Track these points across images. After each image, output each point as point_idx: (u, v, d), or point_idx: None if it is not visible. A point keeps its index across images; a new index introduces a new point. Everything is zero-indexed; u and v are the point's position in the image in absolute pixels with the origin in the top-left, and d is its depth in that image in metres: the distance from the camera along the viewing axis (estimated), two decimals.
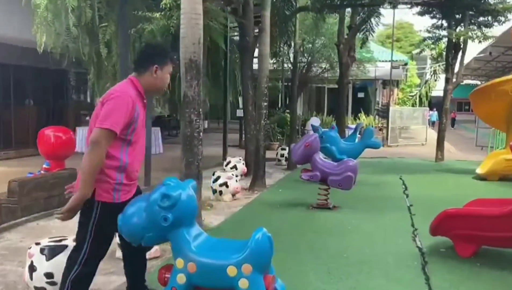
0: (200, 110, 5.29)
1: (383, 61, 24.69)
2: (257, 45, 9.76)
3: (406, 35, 58.56)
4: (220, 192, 7.56)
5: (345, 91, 11.96)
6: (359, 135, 10.53)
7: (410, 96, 31.76)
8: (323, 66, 19.80)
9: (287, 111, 19.24)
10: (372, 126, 20.62)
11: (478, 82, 32.41)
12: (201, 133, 5.32)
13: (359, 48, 13.60)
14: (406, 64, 26.70)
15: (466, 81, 42.60)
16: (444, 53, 28.66)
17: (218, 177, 7.60)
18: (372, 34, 12.63)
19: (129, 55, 8.20)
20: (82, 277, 2.85)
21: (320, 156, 6.96)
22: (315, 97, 28.34)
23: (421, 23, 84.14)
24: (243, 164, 10.06)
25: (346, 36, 12.11)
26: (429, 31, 12.93)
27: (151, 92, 3.10)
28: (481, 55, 22.91)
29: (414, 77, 35.82)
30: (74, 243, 2.98)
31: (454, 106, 46.43)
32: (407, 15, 73.61)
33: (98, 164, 2.71)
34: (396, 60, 25.33)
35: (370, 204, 7.43)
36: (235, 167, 9.86)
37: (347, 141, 9.61)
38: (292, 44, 11.67)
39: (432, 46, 13.35)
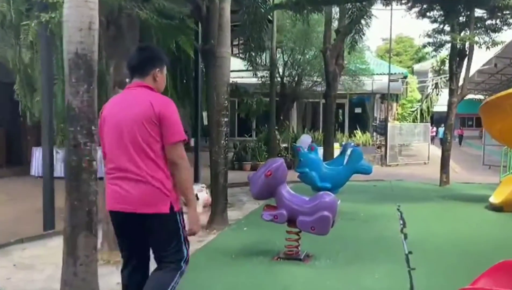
0: (94, 128, 3.57)
1: (380, 74, 23.05)
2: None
3: (406, 49, 57.27)
4: None
5: (333, 104, 10.27)
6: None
7: (410, 111, 30.04)
8: (315, 80, 18.13)
9: (276, 128, 17.57)
10: (367, 144, 19.02)
11: (482, 97, 30.82)
12: (94, 163, 3.59)
13: (348, 53, 11.96)
14: (405, 77, 25.01)
15: (469, 96, 41.05)
16: (447, 62, 27.12)
17: None
18: (361, 37, 10.98)
19: (53, 59, 6.54)
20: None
21: (287, 189, 5.20)
22: (310, 113, 26.63)
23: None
24: (206, 193, 8.32)
25: (333, 41, 10.46)
26: (429, 36, 11.26)
27: None
28: (485, 67, 21.31)
29: (414, 92, 34.19)
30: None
31: (458, 122, 44.80)
32: (407, 28, 72.41)
33: (190, 173, 2.95)
34: (395, 73, 23.67)
35: (356, 251, 5.64)
36: (196, 196, 8.13)
37: (332, 165, 7.86)
38: (270, 50, 9.97)
39: (434, 53, 11.64)
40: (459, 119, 45.95)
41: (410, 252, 5.51)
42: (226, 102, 6.65)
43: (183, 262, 2.91)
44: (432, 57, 11.38)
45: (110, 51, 5.10)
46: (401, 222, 7.24)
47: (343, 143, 18.11)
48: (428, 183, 12.36)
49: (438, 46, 11.38)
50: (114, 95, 3.24)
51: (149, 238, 2.90)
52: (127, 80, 5.12)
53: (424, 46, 11.61)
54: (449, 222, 7.44)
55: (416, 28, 71.68)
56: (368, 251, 5.61)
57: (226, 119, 6.67)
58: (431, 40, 11.35)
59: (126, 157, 2.76)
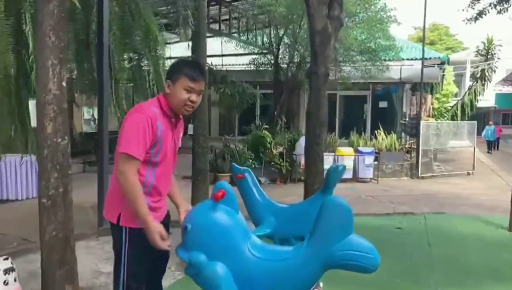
0: None
1: (412, 59, 18.13)
2: None
3: (441, 37, 51.39)
4: None
5: (322, 88, 5.56)
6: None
7: (449, 106, 24.81)
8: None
9: (266, 126, 13.03)
10: (392, 149, 14.20)
11: None
12: None
13: None
14: (443, 63, 19.93)
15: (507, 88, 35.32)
16: (495, 47, 21.75)
17: None
18: None
19: None
20: None
21: None
22: (327, 108, 21.75)
23: (458, 26, 76.67)
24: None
25: None
26: None
27: (173, 110, 2.79)
28: None
29: (451, 85, 28.96)
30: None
31: (499, 118, 39.13)
32: (442, 16, 65.81)
33: (131, 190, 2.61)
34: (430, 58, 18.72)
35: None
36: None
37: (283, 228, 3.27)
38: None
39: (505, 5, 6.89)
40: (501, 116, 40.24)
41: None
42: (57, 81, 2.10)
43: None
44: (500, 12, 6.85)
45: None
46: None
47: (358, 148, 13.50)
48: (486, 220, 7.62)
49: None
50: None
51: None
52: None
53: None
54: None
55: (452, 16, 65.73)
56: None
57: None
58: None
59: None
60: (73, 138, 15.36)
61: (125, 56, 7.74)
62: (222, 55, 17.07)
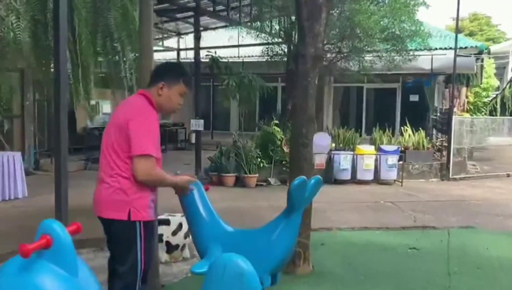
0: None
1: (445, 48, 16.45)
2: None
3: (481, 28, 48.47)
4: None
5: (310, 73, 4.31)
6: None
7: (488, 100, 22.88)
8: (342, 49, 11.83)
9: (276, 122, 11.81)
10: (419, 148, 12.70)
11: None
12: None
13: None
14: (481, 52, 18.07)
15: None
16: None
17: None
18: None
19: None
20: None
21: None
22: (355, 102, 20.32)
23: (501, 15, 72.93)
24: None
25: None
26: None
27: (159, 109, 2.93)
28: None
29: (491, 78, 26.84)
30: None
31: None
32: (483, 6, 62.52)
33: (158, 180, 2.79)
34: (466, 47, 16.97)
35: None
36: None
37: None
38: None
39: None
40: None
41: None
42: None
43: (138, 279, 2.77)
44: None
45: None
46: None
47: (381, 146, 12.09)
48: None
49: None
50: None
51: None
52: None
53: None
54: None
55: (494, 4, 62.35)
56: None
57: None
58: None
59: (103, 160, 2.79)
60: (76, 133, 14.61)
61: (96, 40, 6.70)
62: (239, 45, 15.94)
